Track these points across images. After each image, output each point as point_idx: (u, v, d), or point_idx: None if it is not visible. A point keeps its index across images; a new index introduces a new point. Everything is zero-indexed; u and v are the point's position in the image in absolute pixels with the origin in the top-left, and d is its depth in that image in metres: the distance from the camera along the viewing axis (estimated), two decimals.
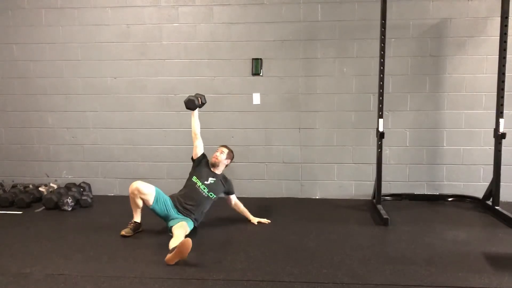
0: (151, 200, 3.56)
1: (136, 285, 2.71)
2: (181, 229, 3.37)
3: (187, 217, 3.61)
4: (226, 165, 3.93)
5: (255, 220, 3.91)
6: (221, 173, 3.89)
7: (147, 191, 3.56)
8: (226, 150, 3.91)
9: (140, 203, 3.60)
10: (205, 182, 3.76)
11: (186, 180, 3.85)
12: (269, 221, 3.92)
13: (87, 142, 4.99)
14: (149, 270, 2.94)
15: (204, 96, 3.94)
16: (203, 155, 3.90)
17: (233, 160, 4.02)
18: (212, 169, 3.85)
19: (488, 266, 2.95)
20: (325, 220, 4.05)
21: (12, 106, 5.01)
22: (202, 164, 3.85)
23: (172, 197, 3.71)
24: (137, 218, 3.66)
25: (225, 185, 3.87)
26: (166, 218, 3.62)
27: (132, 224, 3.64)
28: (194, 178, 3.78)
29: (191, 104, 3.81)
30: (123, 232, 3.56)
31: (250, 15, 4.69)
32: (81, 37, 4.85)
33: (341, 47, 4.64)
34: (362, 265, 2.99)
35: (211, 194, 3.75)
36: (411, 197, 4.67)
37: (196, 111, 3.87)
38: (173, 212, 3.60)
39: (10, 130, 5.05)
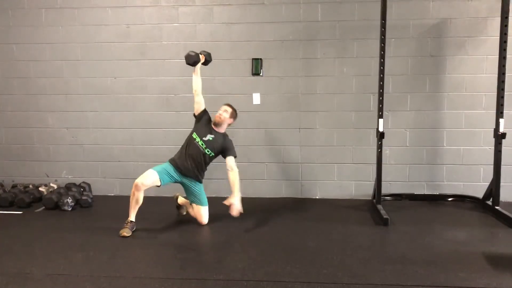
0: (158, 182, 3.71)
1: (136, 285, 2.71)
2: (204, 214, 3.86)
3: (191, 178, 3.84)
4: (229, 124, 3.95)
5: (233, 199, 3.68)
6: (223, 132, 3.91)
7: (151, 181, 3.68)
8: (230, 109, 3.92)
9: (141, 199, 3.68)
10: (204, 139, 3.81)
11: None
12: (232, 203, 3.68)
13: (87, 142, 4.99)
14: (149, 270, 2.94)
15: (209, 53, 3.98)
16: (204, 111, 3.94)
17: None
18: (214, 127, 3.88)
19: (488, 266, 2.95)
20: (325, 220, 4.05)
21: (12, 106, 5.01)
22: (202, 121, 3.89)
23: (171, 161, 3.85)
24: (133, 217, 3.70)
25: (223, 143, 3.86)
26: (180, 183, 3.89)
27: (129, 223, 3.66)
28: (194, 135, 3.86)
29: (190, 59, 3.85)
30: (124, 233, 3.57)
31: (250, 15, 4.69)
32: (81, 37, 4.86)
33: (341, 47, 4.64)
34: (362, 265, 2.99)
35: (207, 151, 3.80)
36: (411, 197, 4.67)
37: (198, 69, 3.91)
38: (177, 176, 3.81)
39: (10, 130, 5.05)
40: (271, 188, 4.87)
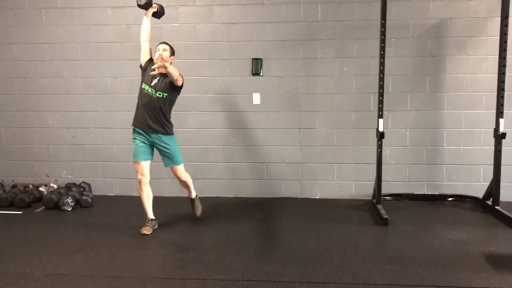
0: (146, 162, 3.68)
1: (136, 285, 2.71)
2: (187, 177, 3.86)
3: (157, 132, 3.64)
4: (171, 63, 3.75)
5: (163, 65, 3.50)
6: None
7: (142, 168, 3.65)
8: (168, 47, 3.76)
9: (149, 193, 3.71)
10: (151, 84, 3.65)
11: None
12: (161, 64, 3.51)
13: (87, 142, 4.99)
14: (149, 270, 2.94)
15: (162, 6, 3.96)
16: (150, 60, 3.77)
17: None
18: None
19: (488, 266, 2.95)
20: (325, 220, 4.05)
21: (12, 106, 5.01)
22: (148, 69, 3.71)
23: (133, 129, 3.72)
24: (151, 214, 3.74)
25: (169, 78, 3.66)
26: (154, 146, 3.73)
27: (149, 221, 3.70)
28: (143, 85, 3.69)
29: (143, 4, 3.77)
30: (144, 231, 3.61)
31: (250, 15, 4.69)
32: (81, 37, 4.85)
33: (341, 47, 4.64)
34: (362, 265, 2.99)
35: (159, 94, 3.63)
36: (411, 197, 4.67)
37: (150, 17, 3.83)
38: (147, 137, 3.66)
39: (10, 130, 5.05)
40: (271, 188, 4.87)
